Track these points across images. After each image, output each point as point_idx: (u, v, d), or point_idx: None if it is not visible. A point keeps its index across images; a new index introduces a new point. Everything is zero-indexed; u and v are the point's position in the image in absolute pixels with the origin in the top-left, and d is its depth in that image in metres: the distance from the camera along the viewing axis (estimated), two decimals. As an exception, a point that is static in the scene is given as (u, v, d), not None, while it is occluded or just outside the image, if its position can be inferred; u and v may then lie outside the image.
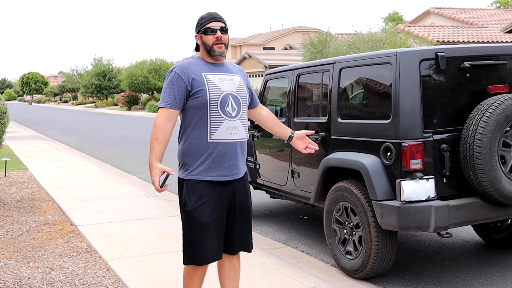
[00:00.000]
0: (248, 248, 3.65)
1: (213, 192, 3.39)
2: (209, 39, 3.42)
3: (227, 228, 3.51)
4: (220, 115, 3.38)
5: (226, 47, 3.47)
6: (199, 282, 3.56)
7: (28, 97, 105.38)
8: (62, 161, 13.59)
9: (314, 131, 3.79)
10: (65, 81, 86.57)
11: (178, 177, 3.49)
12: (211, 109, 3.36)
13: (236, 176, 3.48)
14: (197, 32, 3.49)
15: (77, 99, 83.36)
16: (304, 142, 3.88)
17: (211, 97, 3.35)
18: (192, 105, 3.37)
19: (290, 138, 3.89)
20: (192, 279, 3.53)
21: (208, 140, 3.38)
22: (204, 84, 3.36)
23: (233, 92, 3.44)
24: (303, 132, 3.90)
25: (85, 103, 74.14)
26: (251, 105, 3.76)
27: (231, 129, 3.40)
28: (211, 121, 3.37)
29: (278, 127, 3.93)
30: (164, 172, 3.29)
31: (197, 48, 3.54)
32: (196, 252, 3.42)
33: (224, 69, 3.52)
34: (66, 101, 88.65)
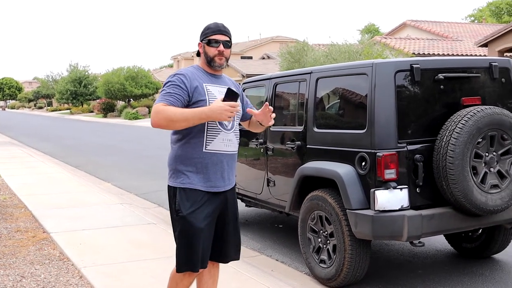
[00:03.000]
0: (237, 256, 3.68)
1: (205, 200, 3.39)
2: (212, 50, 3.42)
3: (219, 237, 3.52)
4: (217, 126, 3.39)
5: (227, 60, 3.47)
6: None
7: (1, 103, 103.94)
8: (35, 167, 13.41)
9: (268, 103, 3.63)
10: (40, 87, 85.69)
11: (169, 185, 3.47)
12: (209, 120, 3.34)
13: (227, 187, 3.50)
14: (201, 40, 3.48)
15: (52, 105, 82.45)
16: (265, 116, 3.59)
17: None
18: None
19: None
20: (178, 286, 3.52)
21: (204, 150, 3.38)
22: (205, 94, 3.36)
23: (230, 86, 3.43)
24: (260, 110, 3.62)
25: (60, 110, 73.38)
26: (244, 118, 3.77)
27: (226, 141, 3.42)
28: (208, 132, 3.38)
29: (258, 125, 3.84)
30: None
31: (198, 54, 3.54)
32: (193, 258, 3.39)
33: (221, 81, 3.53)
34: (40, 107, 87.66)
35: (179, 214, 3.39)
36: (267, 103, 3.60)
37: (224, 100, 3.20)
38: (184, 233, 3.39)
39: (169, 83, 3.36)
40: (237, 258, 3.69)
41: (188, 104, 3.33)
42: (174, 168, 3.44)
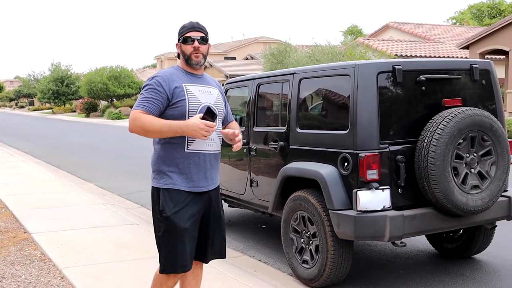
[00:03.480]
0: (222, 255, 3.68)
1: (189, 200, 3.39)
2: (187, 48, 3.43)
3: (202, 237, 3.52)
4: None
5: (205, 57, 3.47)
6: None
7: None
8: (16, 167, 13.28)
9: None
10: (21, 86, 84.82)
11: (153, 186, 3.46)
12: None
13: (211, 187, 3.49)
14: (178, 41, 3.49)
15: (33, 105, 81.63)
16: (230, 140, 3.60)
17: (190, 108, 3.35)
18: (170, 114, 3.34)
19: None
20: (162, 287, 3.51)
21: (186, 150, 3.37)
22: (185, 95, 3.35)
23: (211, 105, 3.43)
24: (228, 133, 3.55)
25: (42, 109, 72.65)
26: (225, 121, 3.74)
27: (209, 141, 3.40)
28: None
29: None
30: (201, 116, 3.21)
31: (179, 56, 3.54)
32: (177, 260, 3.38)
33: (202, 80, 3.52)
34: (22, 107, 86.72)
35: (163, 215, 3.38)
36: (236, 132, 3.49)
37: (203, 117, 3.22)
38: (168, 234, 3.38)
39: (147, 87, 3.36)
40: (223, 256, 3.70)
41: (168, 105, 3.33)
42: (157, 169, 3.44)
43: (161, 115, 3.34)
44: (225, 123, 3.75)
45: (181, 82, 3.39)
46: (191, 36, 3.43)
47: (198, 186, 3.42)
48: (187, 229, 3.37)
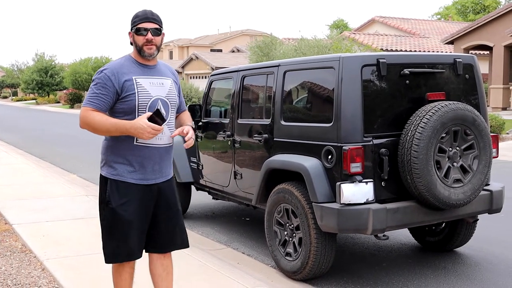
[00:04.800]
0: (184, 245, 3.64)
1: (136, 193, 3.38)
2: (140, 39, 3.35)
3: (155, 228, 3.50)
4: None
5: (158, 49, 3.41)
6: (130, 279, 3.56)
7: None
8: (-2, 158, 13.14)
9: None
10: (4, 76, 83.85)
11: (101, 174, 3.46)
12: (139, 114, 3.31)
13: (159, 180, 3.46)
14: (130, 30, 3.42)
15: (17, 95, 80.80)
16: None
17: (139, 102, 3.31)
18: (120, 108, 3.32)
19: None
20: (122, 277, 3.53)
21: (134, 143, 3.35)
22: (134, 88, 3.31)
23: (162, 97, 3.40)
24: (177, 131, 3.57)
25: (25, 100, 71.92)
26: (178, 110, 3.68)
27: (159, 134, 3.34)
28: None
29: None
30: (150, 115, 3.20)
31: (131, 43, 3.47)
32: (119, 250, 3.41)
33: (155, 71, 3.45)
34: (5, 97, 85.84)
35: (109, 205, 3.39)
36: (184, 130, 3.45)
37: (150, 118, 3.20)
38: (112, 225, 3.39)
39: (96, 82, 3.30)
40: (186, 246, 3.67)
41: (118, 99, 3.30)
42: (106, 158, 3.44)
43: (111, 109, 3.33)
44: (178, 112, 3.69)
45: (131, 75, 3.33)
46: (144, 27, 3.35)
47: (146, 179, 3.40)
48: (131, 221, 3.36)
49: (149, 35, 3.34)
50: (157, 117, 3.20)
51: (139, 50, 3.38)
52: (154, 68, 3.45)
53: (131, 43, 3.44)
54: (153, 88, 3.38)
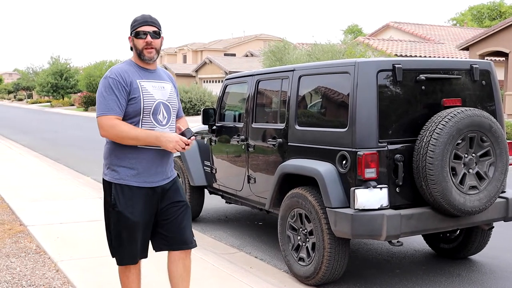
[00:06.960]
0: (190, 244, 3.61)
1: (141, 195, 3.41)
2: (140, 43, 3.40)
3: (162, 228, 3.52)
4: (152, 122, 3.39)
5: (158, 52, 3.45)
6: (137, 279, 3.60)
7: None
8: (14, 160, 13.25)
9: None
10: (20, 78, 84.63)
11: (104, 179, 3.48)
12: (143, 116, 3.36)
13: (162, 182, 3.49)
14: (130, 34, 3.46)
15: (32, 98, 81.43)
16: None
17: (145, 104, 3.35)
18: (125, 111, 3.35)
19: None
20: (129, 279, 3.56)
21: (138, 146, 3.37)
22: (139, 91, 3.35)
23: (164, 101, 3.45)
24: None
25: (40, 102, 72.39)
26: (176, 116, 3.69)
27: None
28: (142, 127, 3.37)
29: None
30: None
31: (132, 49, 3.51)
32: (127, 252, 3.46)
33: (156, 75, 3.50)
34: (20, 99, 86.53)
35: (115, 209, 3.41)
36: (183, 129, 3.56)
37: (181, 133, 3.38)
38: (119, 228, 3.42)
39: (108, 88, 3.30)
40: (192, 246, 3.64)
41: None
42: (109, 162, 3.45)
43: None
44: (176, 118, 3.70)
45: (135, 78, 3.37)
46: (144, 30, 3.39)
47: (149, 182, 3.43)
48: (138, 222, 3.40)
49: (149, 38, 3.38)
50: (189, 135, 3.37)
51: (139, 54, 3.42)
52: (154, 72, 3.50)
53: (131, 48, 3.48)
54: (156, 91, 3.42)
